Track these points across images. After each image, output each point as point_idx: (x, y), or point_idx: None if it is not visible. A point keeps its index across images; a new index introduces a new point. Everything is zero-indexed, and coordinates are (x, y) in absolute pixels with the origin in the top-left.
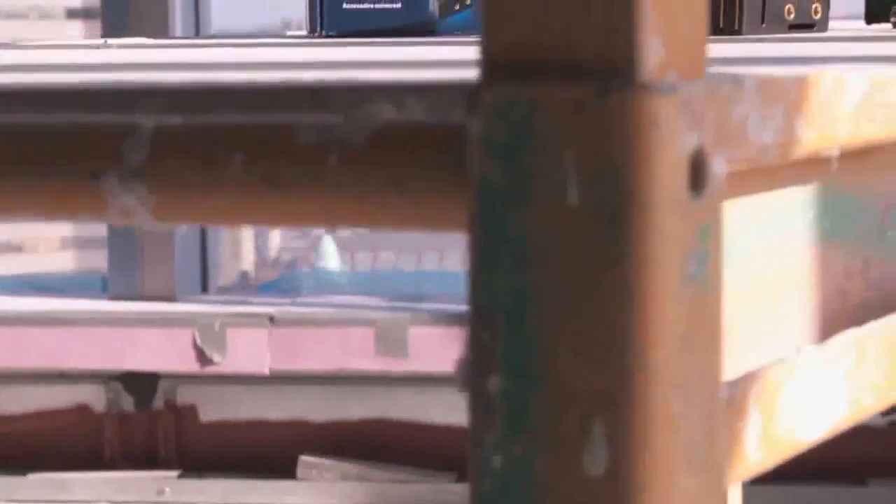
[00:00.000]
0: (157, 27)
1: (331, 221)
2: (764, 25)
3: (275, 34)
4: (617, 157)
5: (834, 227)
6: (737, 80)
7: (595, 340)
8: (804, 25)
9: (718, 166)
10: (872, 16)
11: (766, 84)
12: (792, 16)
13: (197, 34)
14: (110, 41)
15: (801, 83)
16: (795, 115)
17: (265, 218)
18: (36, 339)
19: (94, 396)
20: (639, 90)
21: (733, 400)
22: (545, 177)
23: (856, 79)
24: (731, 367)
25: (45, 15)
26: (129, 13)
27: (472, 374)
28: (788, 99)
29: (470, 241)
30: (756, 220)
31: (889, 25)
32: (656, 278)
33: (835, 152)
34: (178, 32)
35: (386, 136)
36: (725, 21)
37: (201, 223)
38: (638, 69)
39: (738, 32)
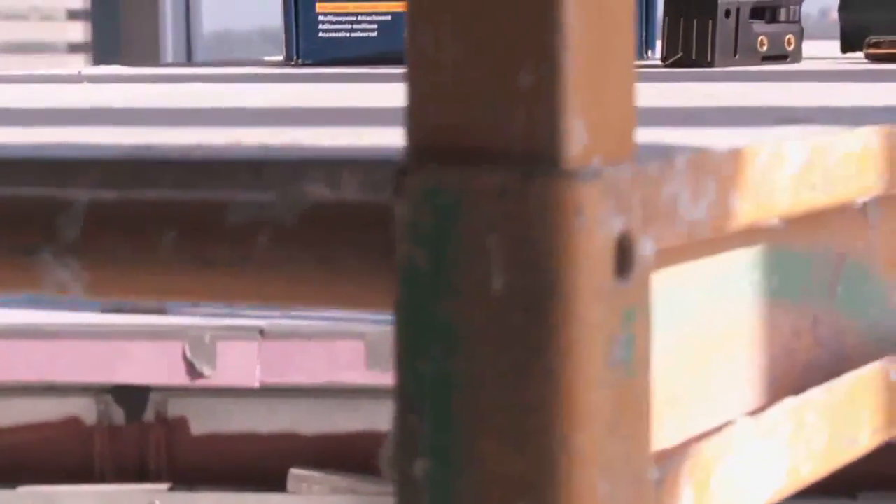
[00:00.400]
0: (148, 41)
1: (262, 299)
2: (737, 57)
3: (255, 61)
4: (540, 245)
5: (782, 286)
6: (667, 159)
7: (520, 427)
8: (777, 57)
9: (646, 248)
10: (847, 45)
11: (697, 160)
12: (765, 47)
13: (188, 41)
14: (84, 72)
15: (735, 156)
16: (730, 188)
17: (197, 295)
18: (26, 351)
19: (84, 409)
20: (561, 177)
21: (664, 480)
22: (470, 264)
23: (795, 147)
24: (677, 435)
25: (46, 16)
26: (120, 16)
27: (399, 457)
28: (722, 173)
29: (396, 324)
30: (698, 283)
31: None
32: (580, 365)
33: (774, 221)
34: (170, 39)
35: (317, 215)
36: (698, 53)
37: (135, 299)
38: (561, 155)
39: (711, 65)
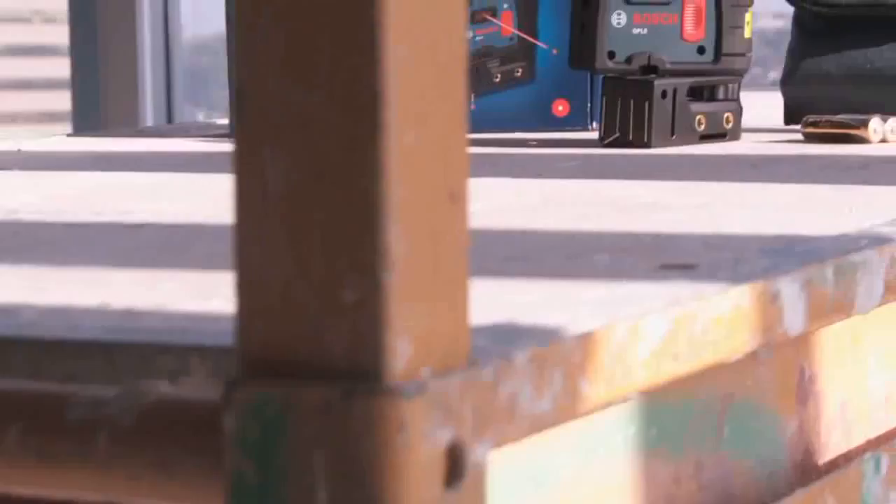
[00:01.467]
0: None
1: (102, 494)
2: (674, 137)
3: (208, 126)
4: (364, 461)
5: (661, 436)
6: (505, 360)
7: None
8: (715, 135)
9: (479, 455)
10: (790, 118)
11: (541, 354)
12: (703, 126)
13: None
14: (24, 149)
15: (585, 341)
16: (579, 375)
17: (40, 489)
18: None
19: None
20: (383, 394)
21: None
22: (296, 477)
23: (655, 322)
24: None
25: (48, 19)
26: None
27: None
28: (570, 362)
29: None
30: (565, 447)
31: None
32: None
33: (632, 396)
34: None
35: (153, 415)
36: (635, 133)
37: None
38: (384, 371)
39: (648, 145)
